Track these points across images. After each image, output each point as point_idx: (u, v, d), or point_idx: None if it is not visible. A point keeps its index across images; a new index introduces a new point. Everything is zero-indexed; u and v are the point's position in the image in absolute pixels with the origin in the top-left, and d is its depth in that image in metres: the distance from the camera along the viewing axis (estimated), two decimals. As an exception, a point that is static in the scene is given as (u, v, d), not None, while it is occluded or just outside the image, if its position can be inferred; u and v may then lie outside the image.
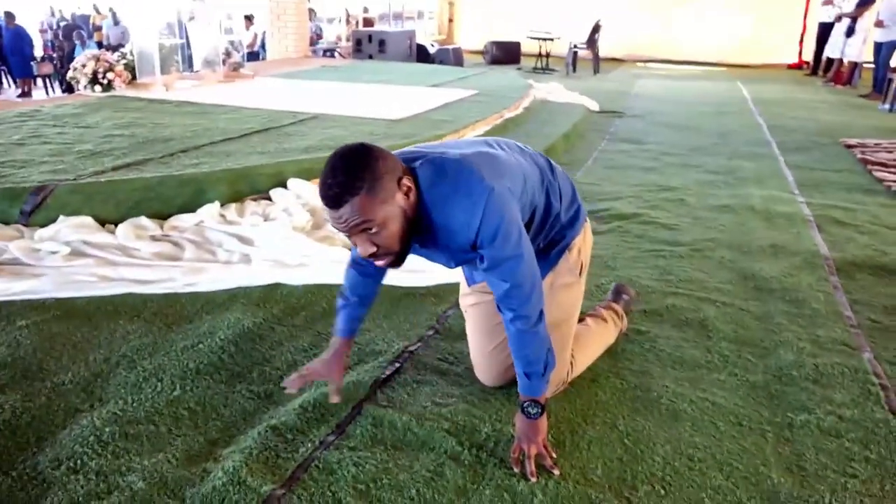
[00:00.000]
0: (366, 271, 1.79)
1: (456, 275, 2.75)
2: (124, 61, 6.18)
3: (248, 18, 12.49)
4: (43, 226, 3.01)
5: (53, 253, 2.82)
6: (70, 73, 5.96)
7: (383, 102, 5.85)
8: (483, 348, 1.93)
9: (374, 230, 1.42)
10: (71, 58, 13.71)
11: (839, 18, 10.50)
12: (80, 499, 1.53)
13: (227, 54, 7.25)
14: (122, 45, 13.76)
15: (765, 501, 1.57)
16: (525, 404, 1.65)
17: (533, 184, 1.67)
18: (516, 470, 1.62)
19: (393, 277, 2.67)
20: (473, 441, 1.75)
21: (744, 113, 7.75)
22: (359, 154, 1.40)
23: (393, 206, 1.42)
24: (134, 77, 6.18)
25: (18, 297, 2.50)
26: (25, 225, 3.04)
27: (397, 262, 1.52)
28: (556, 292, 1.82)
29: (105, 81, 5.83)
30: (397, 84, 7.19)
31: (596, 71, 11.48)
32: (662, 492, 1.59)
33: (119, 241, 2.95)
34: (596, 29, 11.29)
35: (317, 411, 1.86)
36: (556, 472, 1.62)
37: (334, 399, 1.80)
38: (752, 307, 2.60)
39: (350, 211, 1.38)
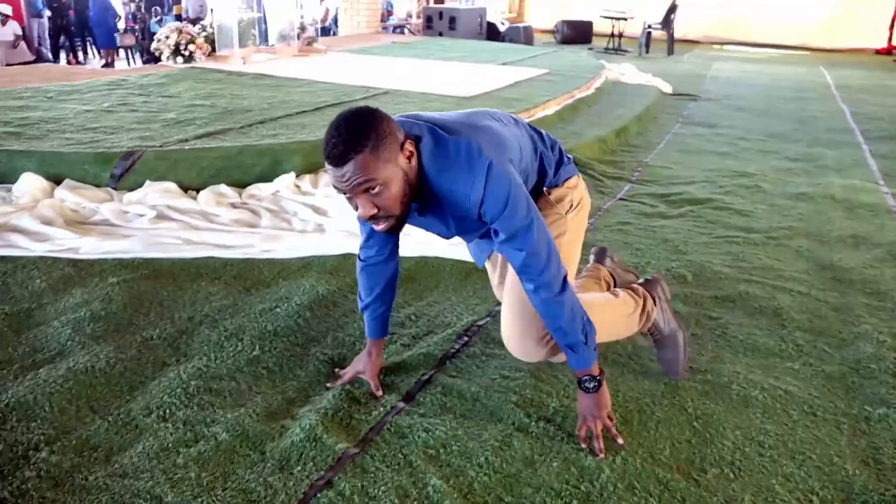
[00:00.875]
0: (375, 266, 1.79)
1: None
2: (204, 34, 6.35)
3: (321, -7, 12.65)
4: (131, 189, 3.16)
5: (141, 216, 2.97)
6: (154, 45, 6.17)
7: (454, 79, 5.86)
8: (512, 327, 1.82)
9: (376, 189, 1.40)
10: (151, 30, 14.25)
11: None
12: (170, 445, 1.63)
13: (302, 29, 7.37)
14: (201, 18, 14.16)
15: (838, 492, 1.55)
16: (582, 379, 1.65)
17: (528, 153, 1.68)
18: (584, 447, 1.64)
19: (461, 253, 2.72)
20: (541, 414, 1.78)
21: (826, 99, 7.43)
22: (364, 115, 1.41)
23: (395, 167, 1.41)
24: (213, 49, 6.36)
25: (109, 256, 2.64)
26: (115, 188, 3.20)
27: (397, 226, 1.51)
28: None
29: (187, 53, 6.03)
30: (468, 61, 7.18)
31: (670, 52, 11.17)
32: (732, 476, 1.59)
33: (201, 207, 3.07)
34: (672, 9, 10.97)
35: (388, 378, 1.92)
36: (621, 441, 1.64)
37: (378, 393, 1.84)
38: (829, 298, 2.53)
39: (353, 169, 1.37)
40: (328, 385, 1.89)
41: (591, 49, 11.24)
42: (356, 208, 1.47)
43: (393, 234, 1.56)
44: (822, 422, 1.80)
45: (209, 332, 2.15)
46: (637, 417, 1.79)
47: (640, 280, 2.04)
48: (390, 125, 1.43)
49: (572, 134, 4.70)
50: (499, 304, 2.41)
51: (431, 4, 12.28)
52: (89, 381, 1.86)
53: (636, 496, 1.52)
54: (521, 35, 11.00)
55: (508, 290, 1.78)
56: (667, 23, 11.05)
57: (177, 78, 5.39)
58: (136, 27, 15.31)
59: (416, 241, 2.83)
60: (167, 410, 1.75)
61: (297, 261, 2.69)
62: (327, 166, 1.41)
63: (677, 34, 11.68)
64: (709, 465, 1.62)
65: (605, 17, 11.43)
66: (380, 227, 1.50)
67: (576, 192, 1.82)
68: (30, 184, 3.12)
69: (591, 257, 2.33)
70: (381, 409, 1.80)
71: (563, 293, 1.57)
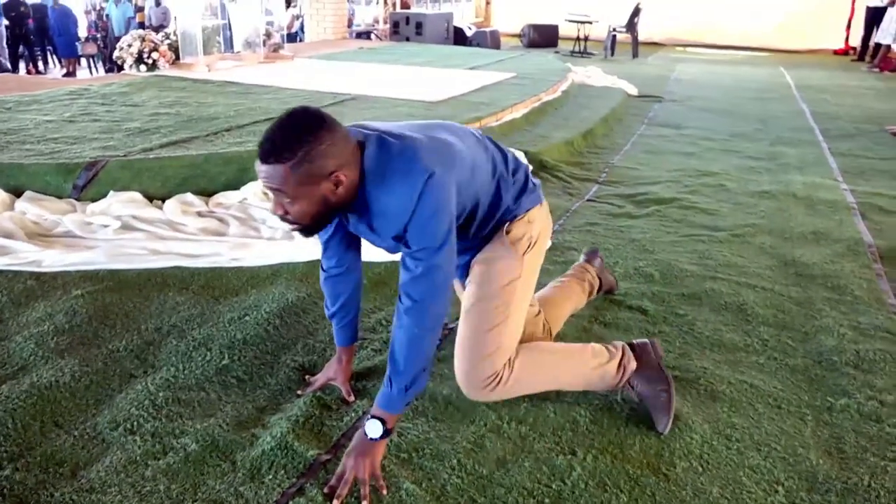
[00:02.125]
0: (337, 277, 1.76)
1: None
2: (168, 42, 6.28)
3: (288, 1, 12.58)
4: (94, 200, 3.11)
5: (105, 227, 2.92)
6: (116, 53, 6.08)
7: (421, 84, 5.87)
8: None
9: (287, 200, 1.40)
10: (111, 38, 14.04)
11: (893, 3, 10.19)
12: (138, 458, 1.60)
13: (268, 36, 7.32)
14: (164, 26, 13.98)
15: (803, 482, 1.58)
16: (373, 418, 1.51)
17: (482, 176, 1.61)
18: (325, 492, 1.50)
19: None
20: (513, 415, 1.79)
21: (786, 99, 7.60)
22: (307, 125, 1.37)
23: (313, 190, 1.39)
24: (177, 57, 6.29)
25: (73, 268, 2.59)
26: (78, 199, 3.15)
27: (306, 232, 1.51)
28: (487, 265, 1.70)
29: (150, 61, 5.95)
30: (435, 66, 7.20)
31: (635, 55, 11.32)
32: (700, 469, 1.61)
33: (167, 217, 3.03)
34: (636, 12, 11.13)
35: (360, 383, 1.91)
36: (384, 492, 1.50)
37: (349, 399, 1.83)
38: (792, 293, 2.58)
39: (271, 172, 1.37)
40: (299, 392, 1.88)
41: (557, 52, 11.34)
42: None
43: (303, 236, 1.56)
44: (786, 414, 1.84)
45: (177, 342, 2.12)
46: (606, 414, 1.81)
47: (631, 341, 1.89)
48: (331, 147, 1.37)
49: (539, 137, 4.73)
50: None
51: (398, 10, 12.28)
52: (54, 396, 1.83)
53: (607, 492, 1.54)
54: (488, 39, 11.06)
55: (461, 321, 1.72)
56: (631, 26, 11.20)
57: (140, 86, 5.32)
58: (98, 35, 15.10)
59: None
60: (135, 423, 1.73)
61: (266, 268, 2.67)
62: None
63: (642, 37, 11.84)
64: (678, 459, 1.64)
65: (571, 21, 11.55)
66: (288, 228, 1.50)
67: (535, 226, 1.73)
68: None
69: (582, 257, 2.37)
70: (353, 414, 1.79)
71: (427, 330, 1.49)
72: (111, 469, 1.57)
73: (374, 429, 1.51)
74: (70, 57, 13.68)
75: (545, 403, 1.83)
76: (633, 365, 1.80)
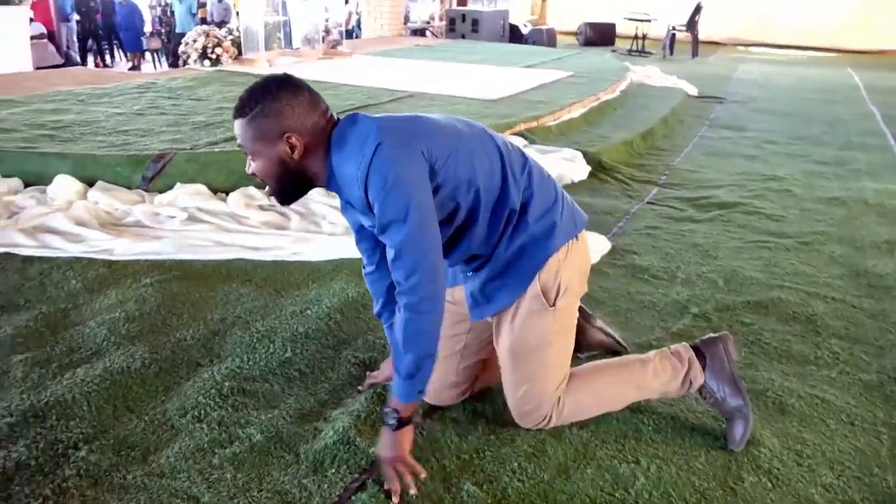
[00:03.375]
0: (371, 276, 1.72)
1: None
2: (231, 37, 6.41)
3: (346, -3, 12.72)
4: (162, 192, 3.20)
5: (172, 217, 3.00)
6: (181, 48, 6.24)
7: (479, 82, 5.86)
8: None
9: (250, 157, 1.47)
10: (174, 33, 14.42)
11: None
12: (206, 445, 1.64)
13: (327, 32, 7.41)
14: (225, 22, 14.33)
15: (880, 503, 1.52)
16: (388, 409, 1.52)
17: (472, 162, 1.49)
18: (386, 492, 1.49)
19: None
20: (574, 421, 1.77)
21: (855, 101, 7.33)
22: (270, 86, 1.42)
23: (268, 149, 1.43)
24: (240, 53, 6.42)
25: (142, 257, 2.67)
26: (146, 190, 3.24)
27: (280, 199, 1.55)
28: (520, 320, 1.61)
29: (214, 56, 6.08)
30: (492, 64, 7.18)
31: (695, 54, 11.09)
32: (770, 485, 1.57)
33: (230, 209, 3.10)
34: (697, 10, 10.89)
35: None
36: (423, 475, 1.51)
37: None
38: (865, 304, 2.49)
39: (237, 128, 1.45)
40: (360, 388, 1.89)
41: (614, 51, 11.18)
42: None
43: (281, 204, 1.60)
44: (860, 431, 1.77)
45: (241, 333, 2.16)
46: (671, 423, 1.77)
47: (699, 340, 1.79)
48: (286, 108, 1.40)
49: (598, 137, 4.67)
50: None
51: (454, 7, 12.29)
52: (125, 382, 1.88)
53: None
54: (544, 37, 10.98)
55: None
56: (691, 25, 10.96)
57: (204, 81, 5.45)
58: (162, 30, 15.53)
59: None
60: (202, 411, 1.77)
61: (326, 263, 2.71)
62: None
63: (702, 36, 11.58)
64: (745, 474, 1.60)
65: (629, 20, 11.36)
66: (266, 191, 1.54)
67: (562, 273, 1.60)
68: (64, 185, 3.16)
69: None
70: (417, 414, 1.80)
71: (420, 313, 1.44)
72: (180, 455, 1.61)
73: (390, 419, 1.52)
74: (136, 51, 14.12)
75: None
76: (700, 379, 1.70)
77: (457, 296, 1.72)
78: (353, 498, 1.49)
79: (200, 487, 1.51)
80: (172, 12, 14.56)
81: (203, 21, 14.24)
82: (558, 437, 1.71)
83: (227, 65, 6.26)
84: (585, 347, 1.98)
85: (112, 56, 15.03)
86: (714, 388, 1.69)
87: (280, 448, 1.64)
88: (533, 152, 4.11)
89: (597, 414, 1.74)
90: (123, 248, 2.72)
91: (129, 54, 14.36)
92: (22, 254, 2.69)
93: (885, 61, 11.75)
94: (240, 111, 1.43)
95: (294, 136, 1.42)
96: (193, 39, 6.12)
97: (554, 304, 1.60)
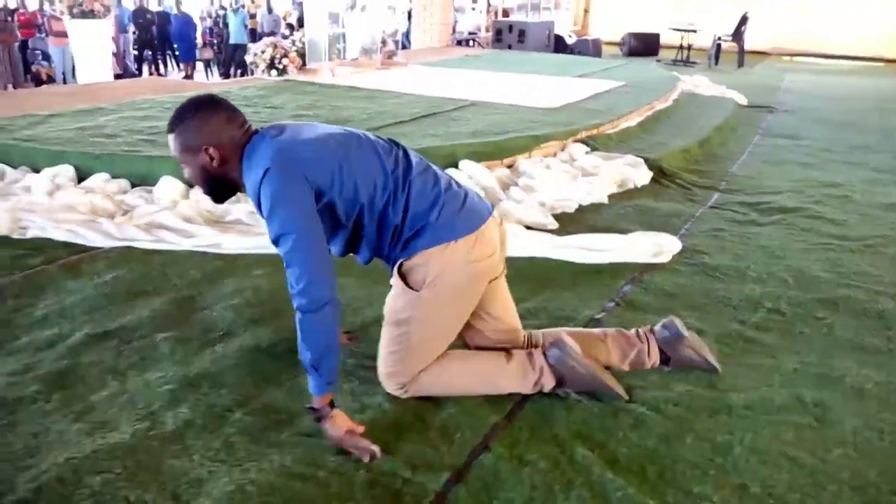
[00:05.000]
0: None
1: (629, 253, 2.95)
2: (295, 49, 6.71)
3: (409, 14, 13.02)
4: (257, 192, 3.45)
5: (270, 216, 3.24)
6: (250, 59, 6.55)
7: (534, 91, 6.05)
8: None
9: (181, 165, 1.76)
10: (227, 44, 14.89)
11: None
12: (346, 410, 1.85)
13: (383, 43, 7.68)
14: (275, 33, 14.74)
15: (959, 474, 1.67)
16: (308, 406, 1.73)
17: (355, 184, 1.70)
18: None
19: (570, 255, 2.92)
20: (668, 398, 1.94)
21: (908, 111, 7.35)
22: (192, 105, 1.70)
23: (192, 159, 1.70)
24: (304, 63, 6.71)
25: (250, 251, 2.91)
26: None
27: (212, 199, 1.84)
28: (391, 295, 1.86)
29: (281, 67, 6.38)
30: (543, 74, 7.37)
31: (741, 64, 11.14)
32: (855, 455, 1.72)
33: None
34: (743, 21, 10.94)
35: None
36: (378, 454, 1.66)
37: None
38: (932, 303, 2.61)
39: (169, 141, 1.73)
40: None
41: (658, 61, 11.28)
42: None
43: (214, 202, 1.87)
44: (937, 413, 1.91)
45: (353, 318, 2.38)
46: (759, 402, 1.94)
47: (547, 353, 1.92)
48: (203, 125, 1.67)
49: (657, 144, 4.83)
50: (611, 299, 2.59)
51: (500, 18, 12.52)
52: (259, 357, 2.11)
53: (767, 468, 1.67)
54: (590, 47, 11.14)
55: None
56: (737, 34, 11.02)
57: (275, 90, 5.74)
58: (214, 41, 16.04)
59: (521, 243, 3.03)
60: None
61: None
62: None
63: (747, 46, 11.61)
64: (832, 446, 1.76)
65: (675, 30, 11.45)
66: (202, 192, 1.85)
67: (433, 264, 1.76)
68: (168, 186, 3.43)
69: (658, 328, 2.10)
70: (520, 389, 1.99)
71: (311, 312, 1.64)
72: (322, 419, 1.82)
73: (313, 417, 1.72)
74: (189, 61, 14.61)
75: (697, 389, 1.98)
76: (550, 384, 1.90)
77: None
78: (480, 457, 1.69)
79: (346, 445, 1.72)
80: (226, 24, 15.06)
81: (253, 32, 14.75)
82: (656, 410, 1.88)
83: (293, 74, 6.56)
84: (673, 363, 2.06)
85: (165, 66, 15.56)
86: (572, 388, 1.92)
87: (408, 416, 1.85)
88: (597, 158, 4.30)
89: (449, 395, 1.90)
90: (231, 243, 2.97)
91: (182, 64, 14.88)
92: (140, 247, 2.96)
93: (935, 71, 11.66)
94: (169, 127, 1.71)
95: (211, 148, 1.68)
96: (262, 51, 6.43)
97: (419, 294, 1.79)
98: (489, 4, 13.91)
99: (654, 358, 2.04)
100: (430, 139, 4.08)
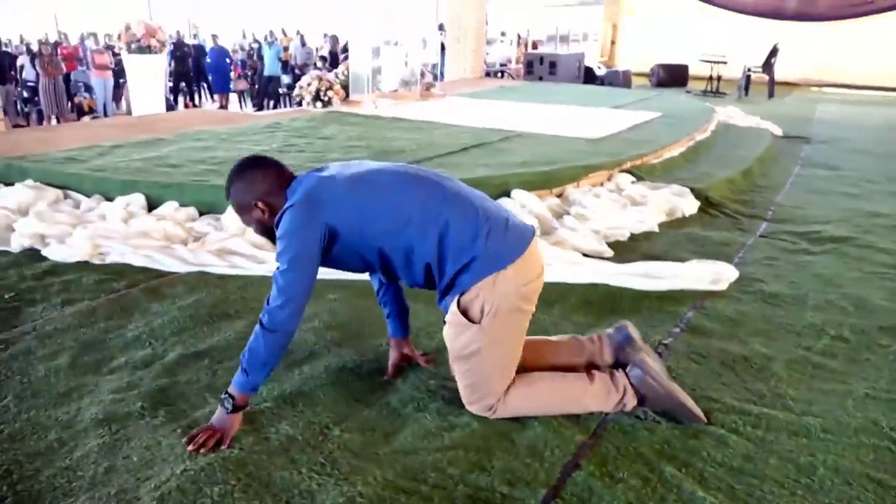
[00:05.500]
0: (379, 291, 2.25)
1: (687, 280, 3.02)
2: (339, 81, 6.92)
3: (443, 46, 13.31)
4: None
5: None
6: (296, 91, 6.77)
7: (575, 122, 6.17)
8: None
9: (242, 221, 2.03)
10: (261, 75, 15.30)
11: None
12: (433, 430, 1.94)
13: (422, 75, 7.88)
14: (308, 65, 15.13)
15: None
16: (225, 395, 1.87)
17: (381, 227, 1.86)
18: (183, 441, 1.84)
19: (630, 282, 3.00)
20: (746, 420, 2.01)
21: (945, 142, 7.36)
22: (239, 170, 1.96)
23: (249, 215, 1.95)
24: (347, 95, 6.91)
25: (321, 277, 3.01)
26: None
27: (269, 240, 1.97)
28: (450, 331, 1.94)
29: (326, 98, 6.58)
30: (580, 105, 7.50)
31: (771, 95, 11.21)
32: (939, 478, 1.77)
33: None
34: (774, 53, 11.04)
35: (600, 384, 2.18)
36: (190, 448, 1.80)
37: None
38: None
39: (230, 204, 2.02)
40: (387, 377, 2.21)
41: (688, 92, 11.39)
42: None
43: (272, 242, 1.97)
44: None
45: (427, 341, 2.47)
46: (836, 424, 1.99)
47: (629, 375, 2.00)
48: (250, 185, 1.92)
49: (701, 174, 4.91)
50: (675, 325, 2.66)
51: (531, 50, 12.74)
52: (346, 378, 2.21)
53: (853, 490, 1.72)
54: (620, 79, 11.29)
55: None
56: (767, 66, 11.11)
57: (323, 121, 5.92)
58: (248, 73, 16.47)
59: (582, 270, 3.12)
60: (420, 403, 2.07)
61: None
62: None
63: (776, 77, 11.69)
64: (915, 469, 1.81)
65: (705, 62, 11.58)
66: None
67: (488, 296, 1.84)
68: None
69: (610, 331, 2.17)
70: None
71: (266, 329, 1.82)
72: (415, 436, 1.91)
73: (227, 403, 1.86)
74: (223, 92, 15.00)
75: (773, 412, 2.04)
76: (632, 403, 1.97)
77: None
78: (573, 475, 1.76)
79: (442, 462, 1.80)
80: (260, 56, 15.47)
81: (285, 64, 15.13)
82: (735, 431, 1.95)
83: (337, 106, 6.75)
84: (648, 404, 2.00)
85: (200, 97, 15.98)
86: (651, 408, 2.00)
87: (496, 435, 1.93)
88: (644, 188, 4.38)
89: (536, 414, 1.98)
90: (302, 269, 3.08)
91: (216, 95, 15.28)
92: (214, 272, 3.09)
93: (967, 101, 11.64)
94: (225, 193, 1.99)
95: (260, 202, 1.91)
96: (308, 83, 6.64)
97: (479, 322, 1.87)
98: (519, 37, 14.15)
99: (607, 358, 2.10)
100: (482, 169, 4.20)
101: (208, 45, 15.42)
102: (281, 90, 14.41)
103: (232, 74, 15.73)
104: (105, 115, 12.52)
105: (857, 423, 2.01)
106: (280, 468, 1.76)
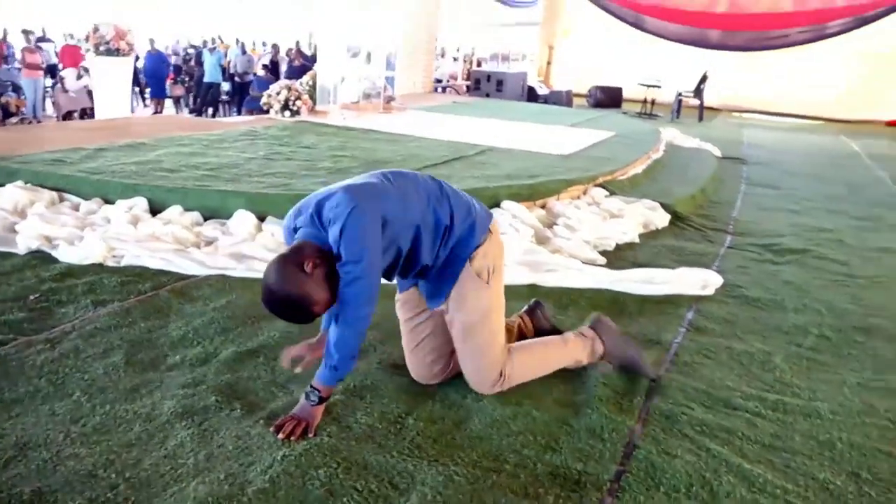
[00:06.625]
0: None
1: (679, 286, 3.30)
2: (307, 91, 6.98)
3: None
4: (327, 227, 3.68)
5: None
6: (264, 100, 6.79)
7: (541, 138, 6.48)
8: (407, 347, 2.29)
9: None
10: (199, 82, 15.03)
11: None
12: (499, 418, 2.11)
13: (384, 88, 8.04)
14: (248, 73, 14.98)
15: None
16: (312, 389, 1.96)
17: (416, 206, 1.96)
18: (271, 430, 1.94)
19: (629, 287, 3.25)
20: (767, 405, 2.28)
21: (862, 167, 8.11)
22: (286, 303, 1.82)
23: (321, 294, 1.82)
24: (314, 105, 6.98)
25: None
26: (311, 225, 3.72)
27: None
28: (465, 299, 2.09)
29: (295, 108, 6.63)
30: (535, 122, 7.84)
31: (700, 118, 11.95)
32: (935, 449, 2.09)
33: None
34: (704, 79, 11.80)
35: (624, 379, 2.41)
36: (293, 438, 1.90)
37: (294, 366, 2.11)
38: (946, 330, 3.05)
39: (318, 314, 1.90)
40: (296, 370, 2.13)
41: (624, 113, 11.99)
42: None
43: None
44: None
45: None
46: (841, 410, 2.29)
47: (588, 324, 2.42)
48: (295, 281, 1.78)
49: (664, 190, 5.28)
50: (681, 325, 2.93)
51: (476, 68, 13.09)
52: (401, 373, 2.34)
53: (868, 460, 2.01)
54: (564, 98, 11.78)
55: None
56: (698, 91, 11.86)
57: (297, 130, 5.99)
58: (184, 79, 16.11)
59: (583, 276, 3.36)
60: (476, 395, 2.23)
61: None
62: None
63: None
64: (913, 443, 2.12)
65: (642, 85, 12.23)
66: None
67: (488, 257, 2.10)
68: (243, 219, 3.63)
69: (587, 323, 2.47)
70: (637, 398, 2.28)
71: (350, 328, 1.89)
72: (484, 424, 2.07)
73: (313, 397, 1.97)
74: (160, 97, 14.64)
75: (786, 398, 2.32)
76: (600, 349, 2.37)
77: (408, 296, 2.26)
78: (634, 452, 1.98)
79: (515, 446, 1.98)
80: (199, 62, 15.18)
81: (224, 71, 14.94)
82: (760, 416, 2.21)
83: (305, 115, 6.82)
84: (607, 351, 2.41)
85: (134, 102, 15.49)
86: (613, 349, 2.37)
87: (555, 421, 2.12)
88: (619, 202, 4.70)
89: (535, 377, 2.29)
90: (322, 273, 3.19)
91: (151, 101, 14.88)
92: (234, 275, 3.15)
93: (869, 130, 12.75)
94: (296, 321, 1.90)
95: (306, 260, 1.80)
96: (277, 92, 6.68)
97: (488, 283, 2.10)
98: (465, 56, 14.51)
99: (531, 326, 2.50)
100: (471, 181, 4.40)
101: (143, 50, 15.02)
102: (262, 100, 14.18)
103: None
104: (35, 116, 12.04)
105: (858, 407, 2.32)
106: (373, 452, 1.89)
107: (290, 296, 1.82)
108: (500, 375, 2.19)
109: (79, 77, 12.15)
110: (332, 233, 1.83)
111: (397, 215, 1.92)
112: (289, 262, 1.82)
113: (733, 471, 1.92)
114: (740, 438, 2.09)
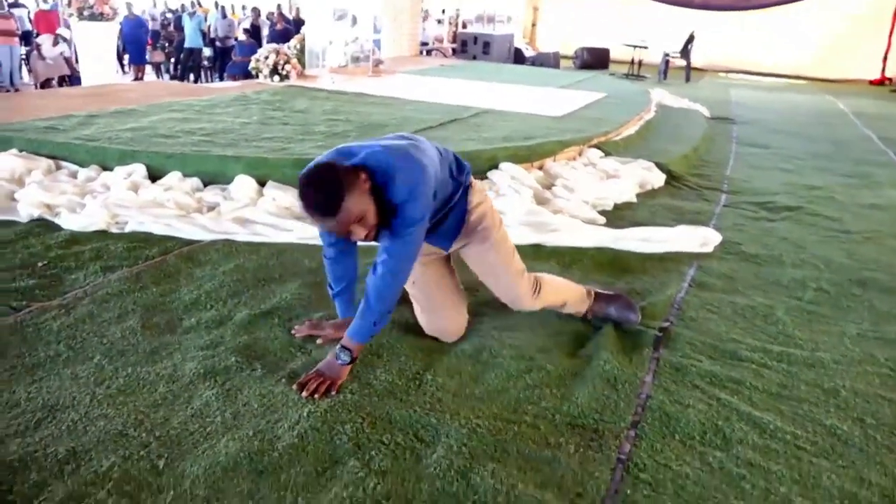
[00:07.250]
0: (337, 257, 2.18)
1: (680, 243, 3.35)
2: (295, 55, 6.89)
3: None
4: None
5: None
6: (253, 64, 6.69)
7: (533, 100, 6.46)
8: (430, 301, 2.33)
9: (358, 229, 1.85)
10: (180, 47, 14.73)
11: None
12: (514, 372, 2.15)
13: (372, 52, 7.94)
14: (229, 38, 14.70)
15: None
16: (342, 348, 1.99)
17: (439, 163, 2.05)
18: (293, 388, 1.97)
19: (630, 245, 3.30)
20: (772, 356, 2.35)
21: (848, 125, 8.18)
22: (328, 180, 1.76)
23: (366, 207, 1.81)
24: (303, 69, 6.89)
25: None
26: (312, 189, 3.71)
27: (374, 237, 1.93)
28: (476, 225, 2.22)
29: (284, 72, 6.55)
30: (526, 84, 7.80)
31: (688, 79, 11.95)
32: (934, 394, 2.17)
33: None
34: (690, 39, 11.76)
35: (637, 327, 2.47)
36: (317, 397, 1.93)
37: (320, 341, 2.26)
38: (939, 282, 3.14)
39: (337, 225, 1.82)
40: (292, 332, 2.31)
41: (612, 74, 11.95)
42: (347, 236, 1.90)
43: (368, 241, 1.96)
44: (978, 363, 2.39)
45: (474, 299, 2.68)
46: (843, 360, 2.36)
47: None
48: (348, 176, 1.77)
49: (658, 151, 5.31)
50: (683, 281, 2.99)
51: (462, 30, 12.94)
52: (413, 332, 2.38)
53: (872, 405, 2.09)
54: (551, 60, 11.70)
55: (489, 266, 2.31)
56: (685, 52, 11.83)
57: (289, 95, 5.92)
58: (163, 44, 15.77)
59: (585, 235, 3.40)
60: (492, 350, 2.28)
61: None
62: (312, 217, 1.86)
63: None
64: None
65: (629, 46, 12.17)
66: (363, 241, 1.95)
67: (476, 193, 2.25)
68: (244, 184, 3.62)
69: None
70: (646, 350, 2.34)
71: (396, 281, 1.97)
72: (500, 378, 2.12)
73: (344, 356, 2.00)
74: (140, 64, 14.34)
75: (789, 349, 2.39)
76: (589, 301, 2.51)
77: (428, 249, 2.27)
78: (648, 402, 2.04)
79: (533, 398, 2.03)
80: (178, 27, 14.86)
81: (204, 35, 14.65)
82: (766, 366, 2.28)
83: (294, 80, 6.73)
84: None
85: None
86: (604, 300, 2.52)
87: (569, 375, 2.17)
88: (615, 162, 4.72)
89: (557, 300, 2.43)
90: (327, 236, 3.20)
91: (131, 67, 14.58)
92: (240, 240, 3.16)
93: (854, 90, 12.83)
94: (331, 212, 1.76)
95: (361, 176, 1.82)
96: (265, 56, 6.59)
97: (484, 209, 2.25)
98: (451, 17, 14.32)
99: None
100: (471, 143, 4.40)
101: (121, 15, 14.67)
102: (251, 65, 13.93)
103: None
104: (13, 84, 11.77)
105: (858, 357, 2.39)
106: (396, 408, 1.94)
107: (335, 174, 1.77)
108: (535, 285, 2.34)
109: (55, 44, 11.87)
110: (399, 192, 1.85)
111: (437, 175, 2.00)
112: (346, 165, 1.84)
113: (744, 419, 1.99)
114: (749, 388, 2.15)
